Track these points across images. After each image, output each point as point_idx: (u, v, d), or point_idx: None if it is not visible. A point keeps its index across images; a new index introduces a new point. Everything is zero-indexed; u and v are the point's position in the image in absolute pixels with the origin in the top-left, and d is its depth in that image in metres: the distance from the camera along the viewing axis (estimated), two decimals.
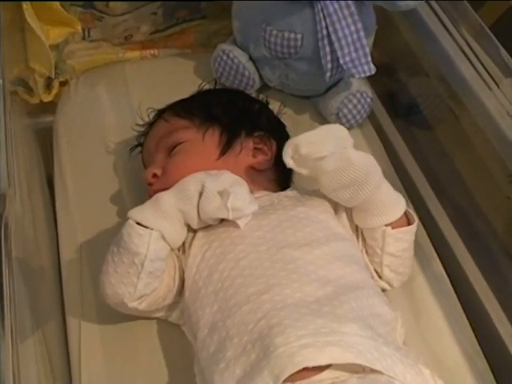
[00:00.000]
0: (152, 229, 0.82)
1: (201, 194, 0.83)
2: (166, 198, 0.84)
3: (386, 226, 0.88)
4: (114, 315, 0.90)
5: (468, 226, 1.05)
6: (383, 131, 1.20)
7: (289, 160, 0.85)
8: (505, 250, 0.99)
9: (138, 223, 0.82)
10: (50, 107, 1.24)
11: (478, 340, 0.93)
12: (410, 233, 0.90)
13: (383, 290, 0.90)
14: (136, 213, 0.83)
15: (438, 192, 1.10)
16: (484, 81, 1.03)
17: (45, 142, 1.24)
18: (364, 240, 0.91)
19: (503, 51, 1.04)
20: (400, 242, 0.90)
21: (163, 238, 0.83)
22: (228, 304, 0.78)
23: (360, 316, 0.76)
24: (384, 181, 0.87)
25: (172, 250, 0.86)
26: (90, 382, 0.87)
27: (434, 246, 1.03)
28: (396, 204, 0.89)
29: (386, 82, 1.28)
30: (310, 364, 0.69)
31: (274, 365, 0.69)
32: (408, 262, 0.93)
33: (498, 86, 1.02)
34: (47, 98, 1.21)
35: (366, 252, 0.91)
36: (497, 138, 0.98)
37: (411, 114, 1.24)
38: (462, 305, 0.97)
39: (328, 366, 0.71)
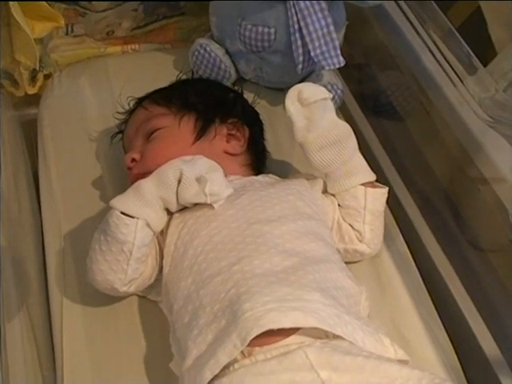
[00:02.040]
0: (137, 217, 0.86)
1: (179, 181, 0.87)
2: (147, 186, 0.87)
3: (364, 186, 0.96)
4: (95, 295, 0.94)
5: (433, 211, 1.11)
6: (354, 122, 1.25)
7: (290, 106, 0.95)
8: (466, 233, 1.05)
9: (122, 213, 0.86)
10: (35, 100, 1.28)
11: (439, 314, 0.99)
12: (384, 195, 0.99)
13: (351, 263, 0.98)
14: (120, 203, 0.86)
15: (406, 180, 1.16)
16: (449, 77, 1.08)
17: (30, 135, 1.28)
18: (342, 208, 0.98)
19: (468, 50, 1.10)
20: (378, 202, 0.98)
21: (148, 225, 0.87)
22: (202, 276, 0.83)
23: (323, 287, 0.81)
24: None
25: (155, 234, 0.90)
26: (72, 358, 0.91)
27: (400, 229, 1.08)
28: (369, 168, 0.98)
29: (357, 76, 1.33)
30: (275, 326, 0.74)
31: (241, 328, 0.74)
32: (382, 228, 1.00)
33: (463, 83, 1.07)
34: (32, 91, 1.26)
35: (345, 218, 0.97)
36: (462, 132, 1.04)
37: (381, 106, 1.29)
38: (424, 282, 1.02)
39: (294, 332, 0.76)
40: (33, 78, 1.25)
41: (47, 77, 1.28)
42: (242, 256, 0.83)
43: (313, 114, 0.95)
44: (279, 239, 0.85)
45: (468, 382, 0.93)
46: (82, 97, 1.24)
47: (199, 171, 0.87)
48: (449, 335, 0.97)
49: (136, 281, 0.89)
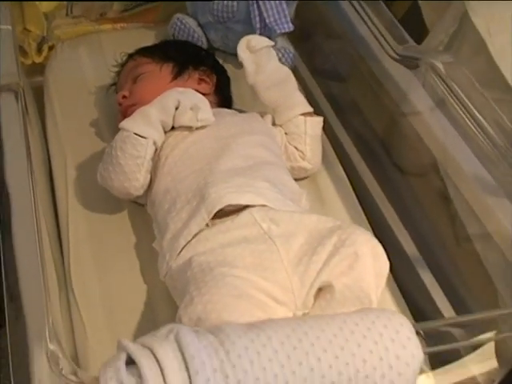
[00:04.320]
0: (147, 138, 1.08)
1: (176, 108, 1.11)
2: (152, 112, 1.10)
3: (304, 116, 1.21)
4: (94, 201, 1.20)
5: (364, 144, 1.36)
6: (303, 79, 1.52)
7: (241, 53, 1.20)
8: (390, 159, 1.31)
9: (135, 133, 1.08)
10: (40, 70, 1.53)
11: (369, 223, 1.23)
12: (320, 123, 1.24)
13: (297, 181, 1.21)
14: (133, 126, 1.09)
15: (343, 119, 1.42)
16: (382, 46, 1.34)
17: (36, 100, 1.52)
18: (288, 135, 1.22)
19: (398, 25, 1.35)
20: (315, 128, 1.23)
21: (154, 143, 1.10)
22: (179, 176, 1.08)
23: (271, 181, 1.06)
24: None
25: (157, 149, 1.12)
26: (76, 246, 1.14)
27: (338, 157, 1.34)
28: (307, 102, 1.24)
29: (308, 45, 1.60)
30: (233, 202, 0.99)
31: (207, 205, 1.00)
32: (320, 149, 1.26)
33: (395, 51, 1.34)
34: (38, 60, 1.51)
35: (290, 142, 1.22)
36: (385, 79, 1.29)
37: (328, 70, 1.56)
38: (357, 197, 1.28)
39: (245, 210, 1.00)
40: (39, 49, 1.51)
41: (51, 48, 1.54)
42: (211, 161, 1.08)
43: (260, 60, 1.21)
44: (240, 146, 1.10)
45: (394, 277, 1.15)
46: (80, 62, 1.50)
47: (193, 101, 1.12)
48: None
49: (144, 185, 1.12)
